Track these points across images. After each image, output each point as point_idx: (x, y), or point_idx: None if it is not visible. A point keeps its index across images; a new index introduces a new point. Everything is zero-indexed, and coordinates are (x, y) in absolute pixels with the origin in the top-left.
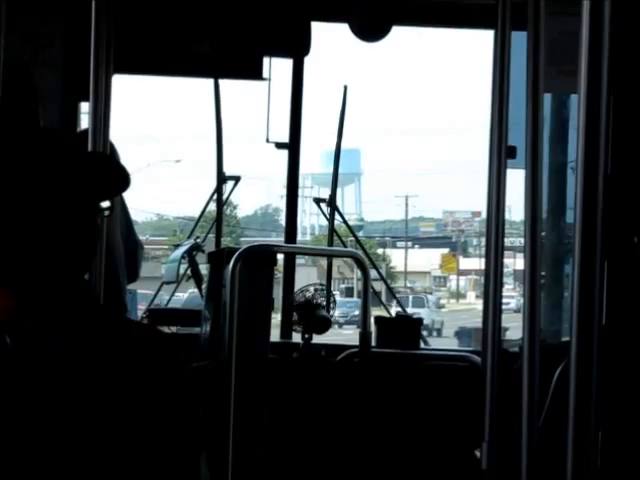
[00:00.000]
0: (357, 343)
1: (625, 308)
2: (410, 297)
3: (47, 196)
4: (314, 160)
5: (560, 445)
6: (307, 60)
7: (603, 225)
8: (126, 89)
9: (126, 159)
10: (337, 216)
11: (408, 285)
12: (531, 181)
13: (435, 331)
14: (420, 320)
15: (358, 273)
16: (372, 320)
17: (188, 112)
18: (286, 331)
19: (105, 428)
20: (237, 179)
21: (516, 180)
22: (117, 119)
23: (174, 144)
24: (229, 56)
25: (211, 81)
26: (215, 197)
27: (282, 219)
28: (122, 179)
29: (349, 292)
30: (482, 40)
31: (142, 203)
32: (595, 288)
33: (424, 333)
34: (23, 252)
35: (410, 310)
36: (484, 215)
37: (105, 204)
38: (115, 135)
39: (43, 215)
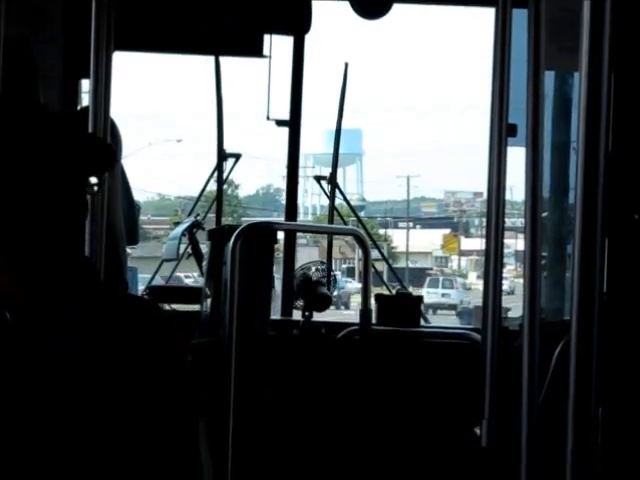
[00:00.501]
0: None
1: (626, 285)
2: (440, 278)
3: (36, 171)
4: (316, 140)
5: (560, 422)
6: (308, 37)
7: (604, 203)
8: (128, 67)
9: (127, 138)
10: (338, 195)
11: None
12: (532, 159)
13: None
14: (420, 297)
15: (359, 253)
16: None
17: (190, 91)
18: (286, 308)
19: (104, 405)
20: (238, 156)
21: (518, 160)
22: (118, 97)
23: (176, 123)
24: (230, 33)
25: (212, 59)
26: (216, 175)
27: (284, 199)
28: (108, 156)
29: (350, 272)
30: (484, 17)
31: (143, 183)
32: (596, 266)
33: (452, 313)
34: (15, 226)
35: (440, 291)
36: (486, 196)
37: (93, 180)
38: (116, 113)
39: (32, 189)
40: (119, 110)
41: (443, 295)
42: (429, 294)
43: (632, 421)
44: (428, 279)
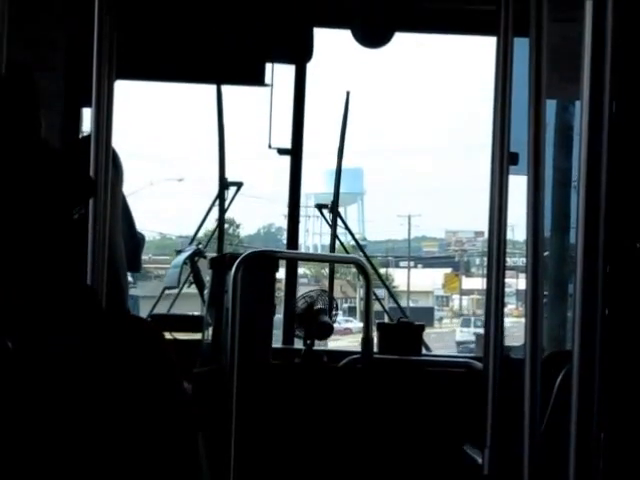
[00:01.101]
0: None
1: (627, 314)
2: (472, 318)
3: (21, 201)
4: (317, 179)
5: (562, 450)
6: (310, 66)
7: (605, 232)
8: (129, 105)
9: (128, 177)
10: (340, 226)
11: (411, 304)
12: (533, 185)
13: None
14: (422, 326)
15: (361, 292)
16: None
17: (191, 130)
18: (288, 337)
19: (104, 431)
20: (239, 185)
21: (519, 193)
22: (120, 137)
23: (177, 163)
24: (231, 62)
25: (214, 92)
26: (217, 203)
27: (285, 238)
28: (88, 189)
29: (352, 311)
30: (485, 48)
31: (145, 222)
32: (597, 295)
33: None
34: (5, 255)
35: (472, 330)
36: (487, 235)
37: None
38: (117, 152)
39: (19, 221)
40: (120, 150)
41: (475, 334)
42: (462, 332)
43: (634, 447)
44: (461, 318)
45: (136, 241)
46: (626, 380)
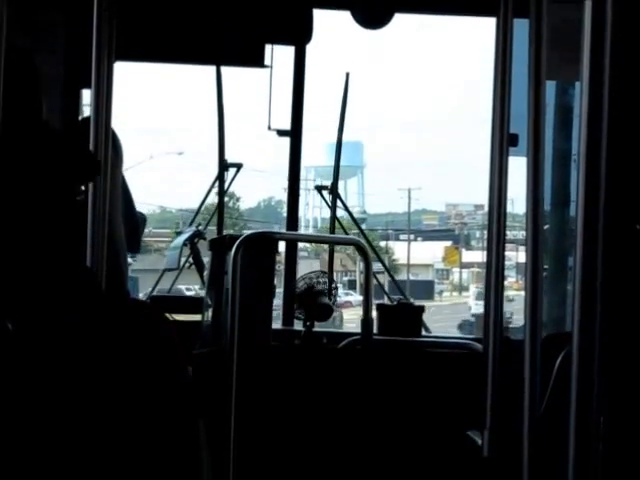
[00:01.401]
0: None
1: (626, 295)
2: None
3: (26, 181)
4: (317, 153)
5: (561, 432)
6: (310, 47)
7: (605, 213)
8: (128, 80)
9: (129, 151)
10: (339, 206)
11: (411, 277)
12: (533, 169)
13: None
14: (422, 307)
15: (361, 266)
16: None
17: (192, 104)
18: (288, 318)
19: (104, 411)
20: (239, 166)
21: (519, 172)
22: (120, 111)
23: (177, 136)
24: (231, 43)
25: (213, 70)
26: (217, 184)
27: (285, 211)
28: (92, 167)
29: (352, 285)
30: (485, 28)
31: (145, 196)
32: (597, 276)
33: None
34: (9, 235)
35: None
36: (487, 208)
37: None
38: (118, 127)
39: (22, 198)
40: (120, 123)
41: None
42: (477, 305)
43: (634, 430)
44: (476, 291)
45: (135, 220)
46: (626, 363)
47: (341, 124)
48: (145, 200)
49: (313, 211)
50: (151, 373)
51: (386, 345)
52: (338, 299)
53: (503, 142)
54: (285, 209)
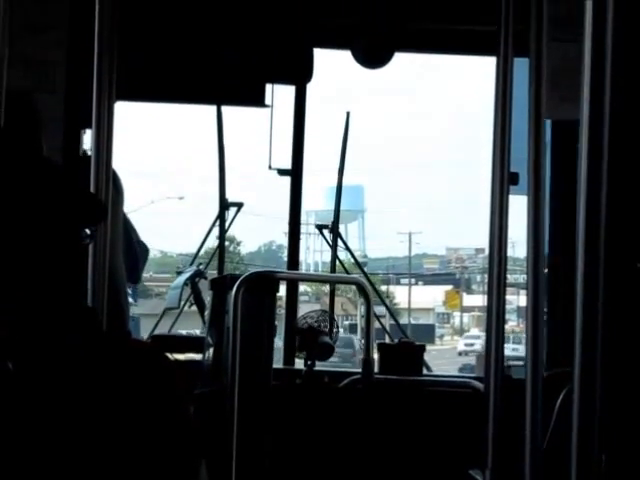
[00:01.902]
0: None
1: (628, 334)
2: (511, 336)
3: (29, 221)
4: (318, 197)
5: (563, 471)
6: (310, 86)
7: (606, 252)
8: (130, 125)
9: (129, 195)
10: (340, 246)
11: (412, 321)
12: (534, 208)
13: None
14: (423, 347)
15: (362, 309)
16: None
17: (192, 151)
18: (289, 358)
19: (105, 454)
20: (240, 205)
21: (520, 215)
22: (121, 155)
23: (178, 180)
24: (231, 83)
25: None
26: (218, 223)
27: (285, 256)
28: (98, 210)
29: (353, 329)
30: (484, 68)
31: (145, 240)
32: (598, 314)
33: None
34: (10, 276)
35: (511, 346)
36: (487, 251)
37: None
38: (118, 170)
39: (27, 241)
40: (120, 167)
41: (513, 350)
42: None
43: (636, 469)
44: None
45: (134, 251)
46: (627, 401)
47: (342, 164)
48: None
49: (314, 255)
50: (152, 411)
51: (387, 384)
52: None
53: (504, 180)
54: (286, 253)
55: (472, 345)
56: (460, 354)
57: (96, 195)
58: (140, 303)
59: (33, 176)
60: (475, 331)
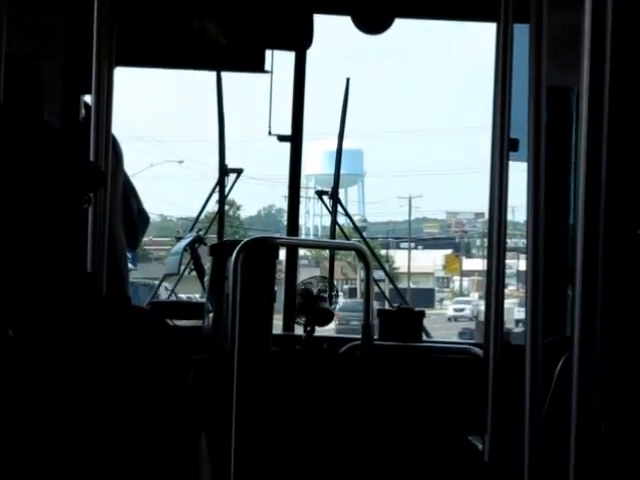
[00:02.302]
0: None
1: (627, 300)
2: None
3: (28, 186)
4: (317, 161)
5: (563, 437)
6: (310, 52)
7: (606, 218)
8: (130, 88)
9: (129, 159)
10: (340, 212)
11: (412, 286)
12: (534, 174)
13: None
14: (422, 312)
15: (361, 274)
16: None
17: (193, 114)
18: (288, 324)
19: (104, 417)
20: (239, 172)
21: (520, 180)
22: (121, 118)
23: (178, 144)
24: (231, 48)
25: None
26: (217, 190)
27: (285, 220)
28: (96, 178)
29: (352, 293)
30: (485, 35)
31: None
32: (597, 281)
33: None
34: (10, 241)
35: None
36: (487, 216)
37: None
38: (119, 135)
39: (28, 208)
40: (120, 131)
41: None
42: (519, 312)
43: (635, 436)
44: (518, 299)
45: (133, 218)
46: (627, 368)
47: (341, 130)
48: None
49: (314, 219)
50: (151, 380)
51: (387, 350)
52: (338, 307)
53: (503, 147)
54: (285, 217)
55: (462, 310)
56: (450, 319)
57: (95, 162)
58: (140, 267)
59: (33, 143)
60: (469, 297)
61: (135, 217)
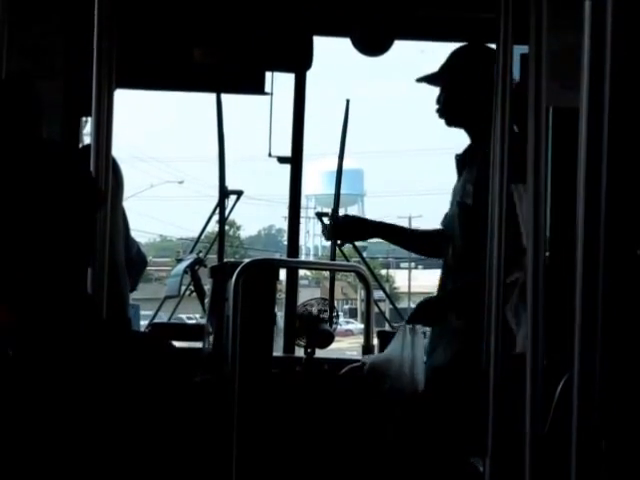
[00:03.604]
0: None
1: (627, 320)
2: None
3: (41, 207)
4: (317, 181)
5: (563, 456)
6: (310, 74)
7: (606, 239)
8: (131, 109)
9: (129, 180)
10: None
11: (412, 305)
12: (534, 196)
13: None
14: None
15: (362, 294)
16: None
17: (193, 134)
18: (289, 345)
19: (104, 441)
20: (240, 193)
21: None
22: (121, 139)
23: (178, 165)
24: (231, 71)
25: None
26: (217, 211)
27: (285, 239)
28: (100, 196)
29: (353, 313)
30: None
31: (145, 224)
32: (598, 301)
33: None
34: (12, 262)
35: None
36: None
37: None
38: (119, 155)
39: (37, 227)
40: (120, 150)
41: None
42: None
43: (635, 455)
44: None
45: (132, 255)
46: (627, 388)
47: (341, 151)
48: (145, 229)
49: (314, 239)
50: (151, 401)
51: None
52: (339, 327)
53: (504, 168)
54: (286, 237)
55: None
56: None
57: (93, 181)
58: (140, 288)
59: (32, 162)
60: None
61: (135, 255)
